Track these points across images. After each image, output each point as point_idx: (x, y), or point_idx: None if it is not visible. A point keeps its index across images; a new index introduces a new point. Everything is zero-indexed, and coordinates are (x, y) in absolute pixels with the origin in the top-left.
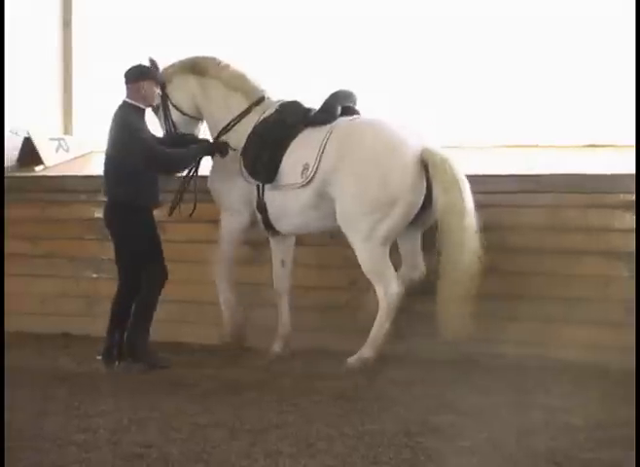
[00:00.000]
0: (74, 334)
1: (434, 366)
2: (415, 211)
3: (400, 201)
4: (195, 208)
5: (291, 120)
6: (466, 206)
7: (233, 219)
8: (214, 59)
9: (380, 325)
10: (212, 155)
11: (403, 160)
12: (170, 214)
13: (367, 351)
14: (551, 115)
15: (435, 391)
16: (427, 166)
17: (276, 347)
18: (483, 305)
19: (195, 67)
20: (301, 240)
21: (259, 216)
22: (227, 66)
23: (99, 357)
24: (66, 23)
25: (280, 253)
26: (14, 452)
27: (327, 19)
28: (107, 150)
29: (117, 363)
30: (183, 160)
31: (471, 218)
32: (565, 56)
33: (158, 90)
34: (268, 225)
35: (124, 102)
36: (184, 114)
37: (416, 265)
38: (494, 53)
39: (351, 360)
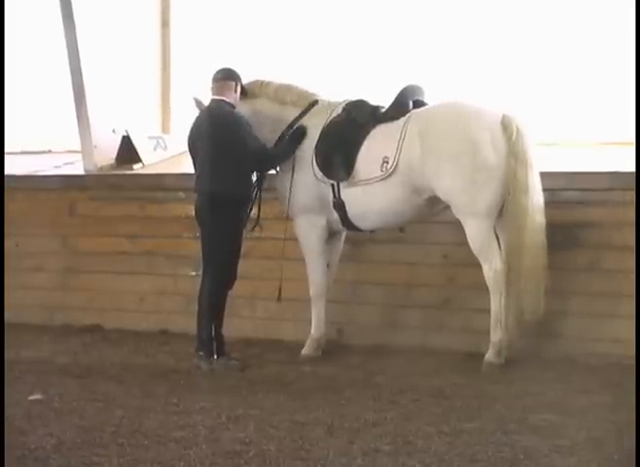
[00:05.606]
0: (172, 331)
1: (533, 364)
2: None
3: (494, 166)
4: (257, 224)
5: (361, 118)
6: (529, 182)
7: (309, 222)
8: (257, 81)
9: (495, 304)
10: (301, 141)
11: (488, 125)
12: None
13: (496, 335)
14: None
15: (534, 390)
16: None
17: (307, 350)
18: (585, 303)
19: (243, 92)
20: (400, 239)
21: (335, 215)
22: (269, 83)
23: (200, 353)
24: (165, 23)
25: (328, 255)
26: (114, 448)
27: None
28: (211, 144)
29: (214, 357)
30: (284, 156)
31: (534, 196)
32: None
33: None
34: (348, 223)
35: (222, 100)
36: None
37: None
38: (592, 49)
39: (488, 356)
